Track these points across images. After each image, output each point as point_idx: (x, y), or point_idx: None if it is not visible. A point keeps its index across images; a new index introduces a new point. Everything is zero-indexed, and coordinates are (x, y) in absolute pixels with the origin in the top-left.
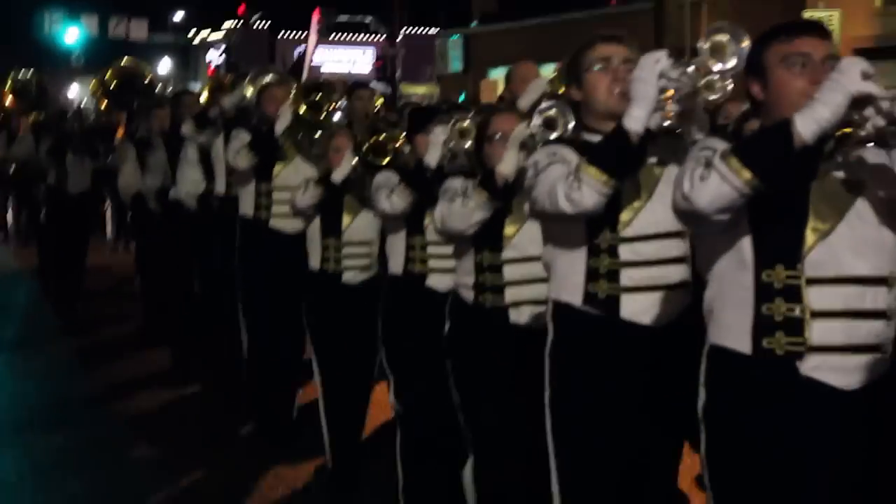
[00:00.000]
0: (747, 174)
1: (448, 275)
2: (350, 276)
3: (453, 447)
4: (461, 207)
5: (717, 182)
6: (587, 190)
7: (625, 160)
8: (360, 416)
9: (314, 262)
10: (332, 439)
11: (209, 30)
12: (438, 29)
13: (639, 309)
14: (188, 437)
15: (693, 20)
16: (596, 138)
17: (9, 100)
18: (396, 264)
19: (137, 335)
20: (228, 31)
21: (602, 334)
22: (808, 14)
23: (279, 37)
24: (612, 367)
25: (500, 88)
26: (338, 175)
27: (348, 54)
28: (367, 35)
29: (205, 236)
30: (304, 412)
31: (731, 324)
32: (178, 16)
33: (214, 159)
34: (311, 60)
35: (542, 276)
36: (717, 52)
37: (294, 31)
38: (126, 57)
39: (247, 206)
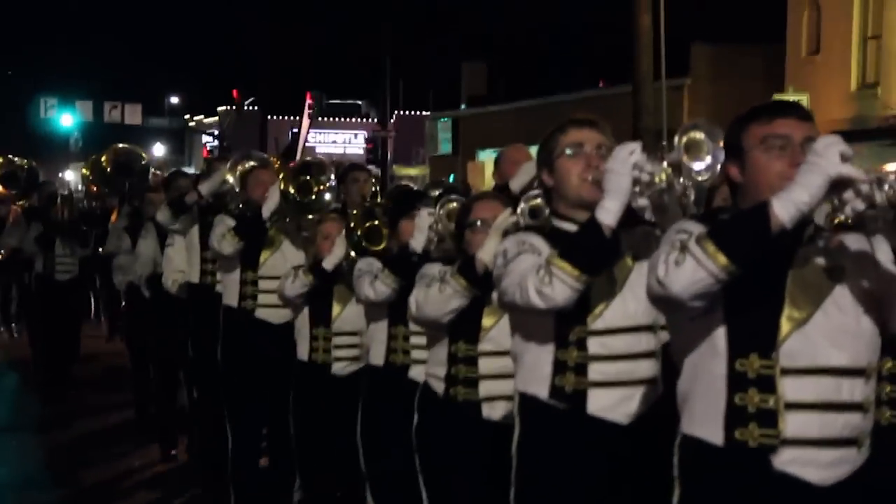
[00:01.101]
0: (723, 259)
1: None
2: (339, 368)
3: None
4: (437, 293)
5: (692, 267)
6: (559, 285)
7: (598, 254)
8: None
9: (303, 352)
10: None
11: (203, 115)
12: (429, 112)
13: (607, 404)
14: None
15: (672, 103)
16: (567, 226)
17: None
18: (377, 355)
19: (128, 426)
20: (222, 114)
21: (569, 429)
22: (775, 97)
23: (271, 119)
24: (578, 464)
25: (488, 170)
26: (328, 263)
27: (340, 136)
28: (359, 118)
29: (189, 326)
30: None
31: (704, 414)
32: (174, 100)
33: (188, 248)
34: (306, 141)
35: None
36: (693, 150)
37: (286, 115)
38: (121, 143)
39: (231, 297)
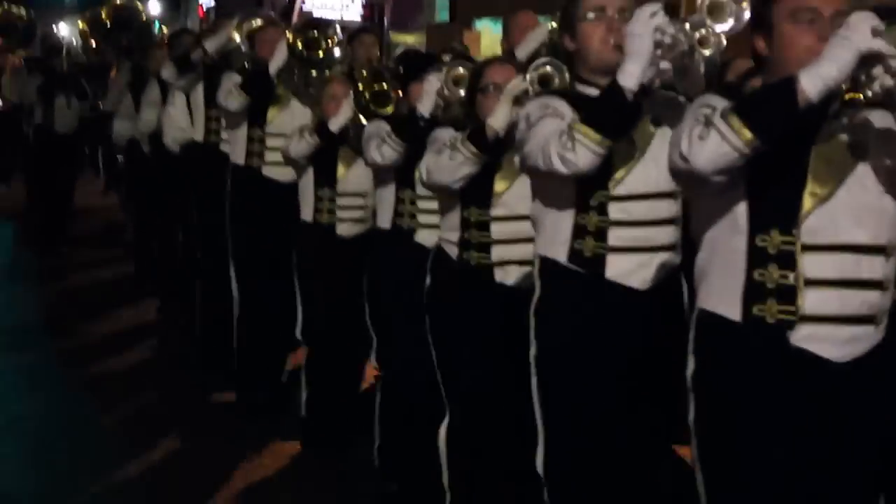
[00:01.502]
0: (748, 134)
1: (438, 230)
2: (344, 229)
3: (434, 409)
4: (448, 160)
5: (716, 141)
6: (581, 150)
7: (620, 118)
8: (351, 378)
9: (307, 213)
10: (309, 396)
11: None
12: None
13: (625, 270)
14: (163, 402)
15: None
16: (590, 90)
17: None
18: (384, 218)
19: (124, 281)
20: None
21: (587, 293)
22: None
23: None
24: (597, 326)
25: (485, 39)
26: (334, 124)
27: (337, 1)
28: None
29: (188, 185)
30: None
31: (722, 289)
32: None
33: (193, 106)
34: (303, 4)
35: (530, 236)
36: (715, 12)
37: None
38: None
39: (238, 154)
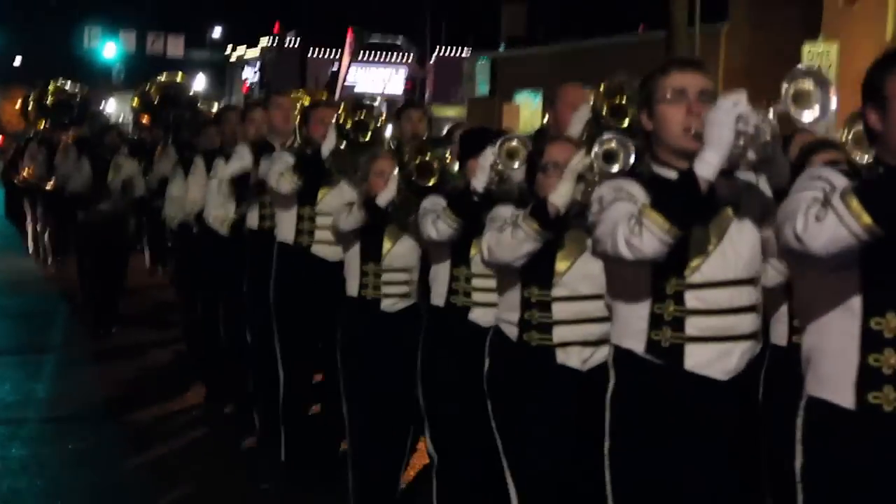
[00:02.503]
0: (867, 219)
1: (493, 309)
2: (389, 304)
3: (495, 497)
4: (510, 237)
5: (833, 224)
6: (648, 237)
7: (691, 208)
8: (396, 460)
9: (352, 288)
10: (357, 485)
11: (245, 46)
12: (468, 51)
13: (704, 360)
14: (209, 491)
15: (708, 49)
16: (666, 172)
17: (49, 100)
18: (439, 295)
19: (176, 364)
20: (263, 48)
21: (665, 385)
22: (806, 49)
23: (311, 55)
24: (675, 419)
25: (525, 112)
26: (382, 199)
27: (381, 74)
28: (399, 55)
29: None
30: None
31: (833, 375)
32: (216, 32)
33: (210, 181)
34: (346, 79)
35: (593, 316)
36: (801, 100)
37: (326, 50)
38: (166, 73)
39: (286, 232)
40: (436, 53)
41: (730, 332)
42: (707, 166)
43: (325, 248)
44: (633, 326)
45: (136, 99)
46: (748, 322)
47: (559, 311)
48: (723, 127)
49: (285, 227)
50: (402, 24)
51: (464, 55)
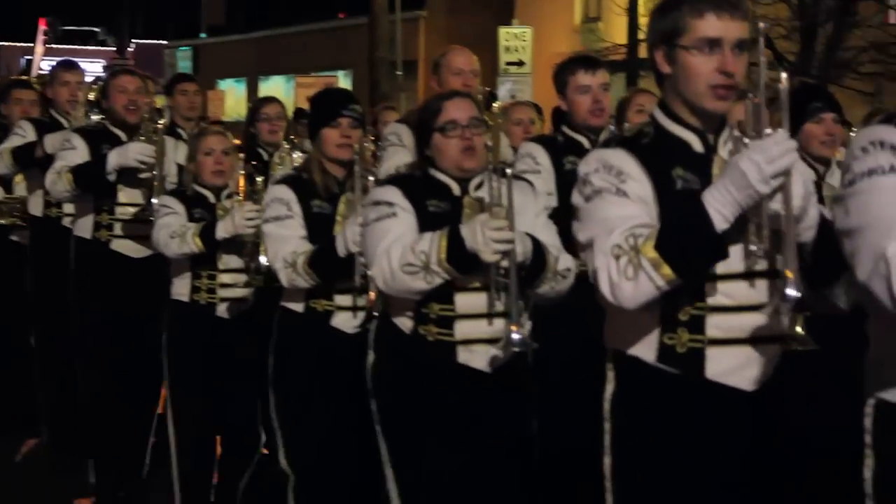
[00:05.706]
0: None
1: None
2: (224, 309)
3: None
4: (423, 282)
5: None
6: (644, 281)
7: (704, 254)
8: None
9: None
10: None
11: None
12: (167, 41)
13: (729, 367)
14: None
15: (408, 35)
16: (679, 131)
17: None
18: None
19: None
20: None
21: (682, 398)
22: (502, 30)
23: (2, 45)
24: (694, 437)
25: (229, 99)
26: (221, 231)
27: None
28: (96, 45)
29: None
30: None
31: None
32: None
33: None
34: (39, 70)
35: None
36: None
37: (18, 41)
38: None
39: (84, 226)
40: (134, 42)
41: (758, 333)
42: (730, 206)
43: (126, 244)
44: (637, 328)
45: None
46: (777, 320)
47: (462, 304)
48: (774, 165)
49: (82, 220)
50: (99, 14)
51: (163, 44)
